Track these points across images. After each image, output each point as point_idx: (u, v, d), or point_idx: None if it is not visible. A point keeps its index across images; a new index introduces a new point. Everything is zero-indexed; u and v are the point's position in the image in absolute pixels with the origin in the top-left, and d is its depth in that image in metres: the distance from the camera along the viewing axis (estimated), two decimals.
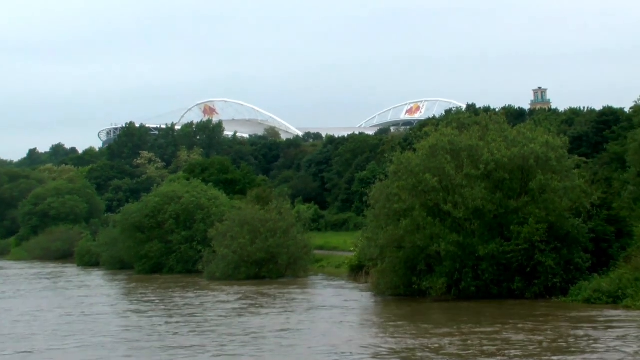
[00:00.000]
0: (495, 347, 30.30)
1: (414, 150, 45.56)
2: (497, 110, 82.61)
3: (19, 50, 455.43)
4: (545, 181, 42.25)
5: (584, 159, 46.89)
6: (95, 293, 55.35)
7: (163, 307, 47.43)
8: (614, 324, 33.77)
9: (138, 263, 66.03)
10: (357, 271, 53.31)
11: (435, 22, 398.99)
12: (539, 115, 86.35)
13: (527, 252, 41.39)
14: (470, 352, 29.66)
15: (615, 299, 38.27)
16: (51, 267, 77.07)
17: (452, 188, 42.48)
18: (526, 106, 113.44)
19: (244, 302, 47.50)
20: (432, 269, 42.92)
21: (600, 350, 28.75)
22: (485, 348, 29.94)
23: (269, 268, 57.62)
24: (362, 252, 49.64)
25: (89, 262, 76.07)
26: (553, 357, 27.99)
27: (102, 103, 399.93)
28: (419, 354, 30.73)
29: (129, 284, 60.17)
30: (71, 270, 72.94)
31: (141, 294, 54.23)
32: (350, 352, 31.25)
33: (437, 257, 42.55)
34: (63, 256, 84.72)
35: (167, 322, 41.06)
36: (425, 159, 43.65)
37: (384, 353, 31.42)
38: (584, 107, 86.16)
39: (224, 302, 47.92)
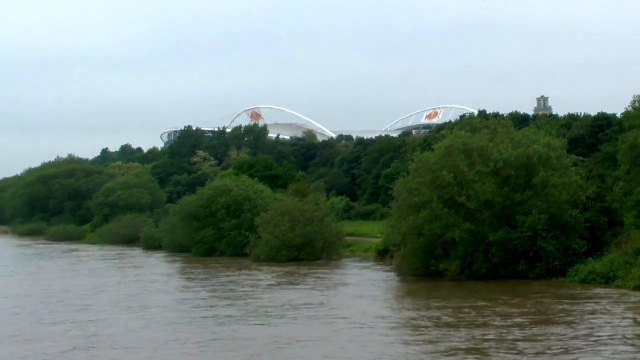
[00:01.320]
0: (488, 319, 30.97)
1: (433, 150, 45.57)
2: (504, 115, 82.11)
3: (97, 63, 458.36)
4: (547, 177, 42.20)
5: (580, 158, 46.69)
6: (156, 271, 55.97)
7: (210, 283, 47.87)
8: (600, 300, 34.17)
9: (194, 247, 66.16)
10: (383, 255, 53.26)
11: (450, 38, 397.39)
12: (542, 120, 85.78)
13: (531, 239, 41.39)
14: (463, 322, 30.41)
15: (607, 280, 38.28)
16: (120, 250, 77.45)
17: (466, 183, 42.33)
18: (530, 112, 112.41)
19: (280, 280, 47.66)
20: (448, 253, 42.86)
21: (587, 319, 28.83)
22: (478, 319, 30.66)
23: (306, 252, 57.58)
24: (387, 238, 49.69)
25: (153, 246, 76.30)
26: (534, 328, 28.44)
27: (165, 109, 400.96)
28: (421, 323, 31.39)
29: (185, 265, 60.49)
30: (137, 253, 73.31)
31: (194, 272, 54.57)
32: (363, 322, 31.64)
33: (452, 243, 42.48)
34: (130, 241, 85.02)
35: (210, 296, 41.67)
36: (442, 158, 43.60)
37: (393, 323, 31.87)
38: (581, 113, 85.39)
39: (263, 280, 48.17)
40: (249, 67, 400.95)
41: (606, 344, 25.29)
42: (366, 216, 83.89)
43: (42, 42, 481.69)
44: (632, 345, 25.60)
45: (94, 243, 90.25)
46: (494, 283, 40.51)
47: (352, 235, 65.17)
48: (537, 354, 24.05)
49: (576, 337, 26.57)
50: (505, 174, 42.75)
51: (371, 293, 39.95)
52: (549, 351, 24.46)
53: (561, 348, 25.03)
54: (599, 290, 36.92)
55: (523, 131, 46.80)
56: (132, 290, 44.64)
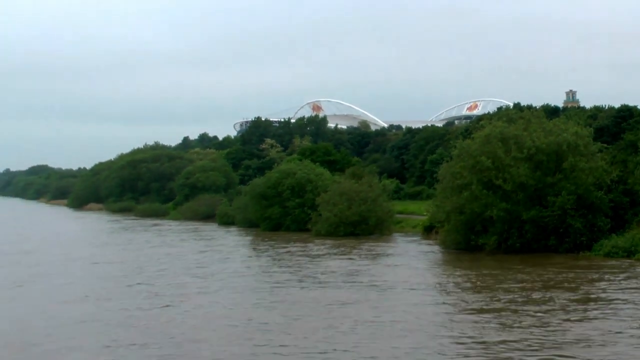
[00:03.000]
0: (507, 285, 31.30)
1: (473, 138, 45.45)
2: (537, 107, 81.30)
3: (181, 61, 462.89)
4: (575, 162, 41.98)
5: (605, 145, 46.15)
6: (227, 243, 56.53)
7: (272, 253, 48.54)
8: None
9: (262, 223, 66.62)
10: (428, 231, 53.22)
11: (489, 37, 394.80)
12: (570, 112, 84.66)
13: (560, 217, 41.19)
14: (494, 287, 30.93)
15: (629, 254, 38.27)
16: (197, 225, 78.30)
17: (502, 167, 42.19)
18: (560, 105, 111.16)
19: (333, 251, 47.93)
20: (486, 229, 42.75)
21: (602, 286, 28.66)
22: (506, 285, 30.91)
23: (361, 227, 57.69)
24: (433, 216, 49.66)
25: (226, 221, 76.86)
26: (545, 291, 28.62)
27: (237, 101, 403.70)
28: (454, 288, 32.03)
29: (253, 238, 61.03)
30: (212, 228, 74.01)
31: (259, 244, 55.12)
32: (406, 287, 32.12)
33: (490, 220, 42.37)
34: (207, 217, 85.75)
35: (271, 264, 42.59)
36: (481, 145, 43.50)
37: (432, 288, 32.22)
38: (605, 105, 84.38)
39: (318, 251, 48.38)
40: (312, 64, 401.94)
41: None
42: (413, 196, 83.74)
43: (135, 41, 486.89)
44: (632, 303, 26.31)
45: (175, 219, 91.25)
46: (526, 256, 40.35)
47: (401, 213, 65.15)
48: (548, 311, 24.27)
49: (590, 300, 26.53)
50: (538, 159, 42.57)
51: (416, 263, 40.22)
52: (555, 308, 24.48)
53: (562, 308, 25.44)
54: (621, 262, 36.85)
55: (553, 121, 46.46)
56: (205, 259, 45.60)
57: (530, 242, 41.86)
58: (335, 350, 20.97)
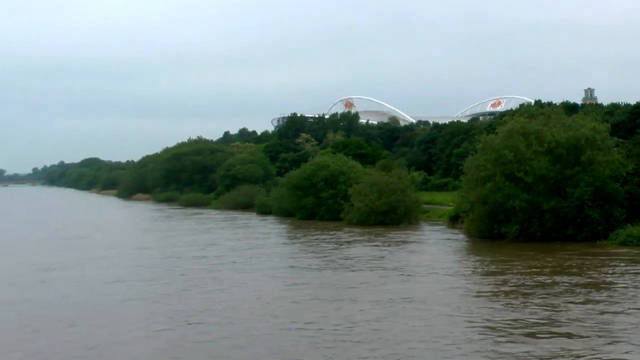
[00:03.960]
0: (518, 270, 31.16)
1: (496, 133, 45.34)
2: (557, 104, 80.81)
3: (222, 61, 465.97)
4: (593, 156, 41.74)
5: (621, 140, 45.84)
6: (264, 231, 56.94)
7: (303, 240, 48.94)
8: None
9: (298, 212, 66.91)
10: (454, 220, 53.14)
11: (513, 39, 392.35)
12: (588, 108, 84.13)
13: (578, 207, 40.96)
14: (514, 271, 30.60)
15: None
16: (237, 214, 78.81)
17: (524, 160, 42.07)
18: (579, 101, 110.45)
19: (362, 238, 48.07)
20: (508, 218, 42.63)
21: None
22: (525, 270, 30.40)
23: (390, 217, 57.75)
24: (458, 206, 49.69)
25: (264, 211, 77.22)
26: (556, 276, 28.14)
27: (274, 98, 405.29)
28: (463, 272, 32.19)
29: (288, 226, 61.35)
30: (251, 217, 74.40)
31: (293, 232, 55.54)
32: (430, 271, 32.22)
33: (512, 210, 42.26)
34: (246, 207, 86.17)
35: (301, 250, 42.96)
36: (504, 139, 43.37)
37: (443, 271, 32.16)
38: (622, 102, 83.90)
39: (347, 238, 48.57)
40: (345, 64, 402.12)
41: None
42: (440, 188, 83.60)
43: (176, 40, 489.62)
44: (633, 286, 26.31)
45: (216, 208, 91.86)
46: (546, 244, 40.22)
47: (428, 203, 65.12)
48: (562, 292, 24.25)
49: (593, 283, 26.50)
50: (557, 153, 42.38)
51: (440, 250, 40.32)
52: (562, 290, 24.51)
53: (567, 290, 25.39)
54: (634, 250, 36.75)
55: (572, 117, 46.22)
56: (242, 245, 46.05)
57: (550, 230, 41.69)
58: (356, 325, 21.50)
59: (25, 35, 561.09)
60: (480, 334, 20.18)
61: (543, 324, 21.12)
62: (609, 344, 18.81)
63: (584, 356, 17.76)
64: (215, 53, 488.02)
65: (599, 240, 40.23)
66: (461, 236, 46.59)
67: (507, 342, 19.14)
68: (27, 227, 69.05)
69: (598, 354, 17.93)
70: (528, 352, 18.16)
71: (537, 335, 19.94)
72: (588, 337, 19.53)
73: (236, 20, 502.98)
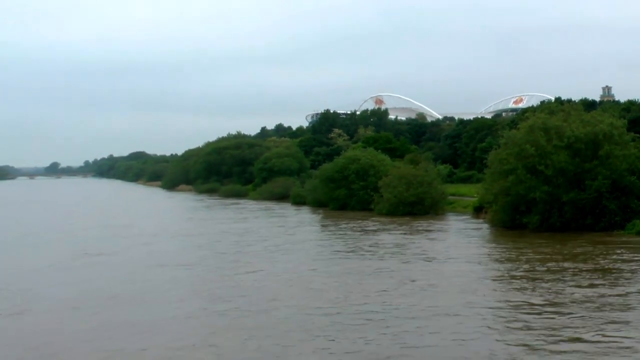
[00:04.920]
0: (529, 257, 30.65)
1: (518, 128, 45.17)
2: (576, 101, 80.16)
3: (259, 60, 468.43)
4: (610, 150, 41.36)
5: (637, 135, 45.26)
6: (298, 220, 57.20)
7: (335, 228, 48.91)
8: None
9: (330, 203, 66.97)
10: (478, 210, 52.93)
11: (534, 38, 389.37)
12: (606, 105, 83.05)
13: (596, 199, 40.69)
14: (511, 257, 30.75)
15: None
16: (273, 204, 79.11)
17: (544, 154, 41.80)
18: (597, 98, 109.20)
19: (389, 227, 48.04)
20: (530, 209, 42.38)
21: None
22: (526, 257, 30.15)
23: (417, 207, 57.57)
24: (482, 197, 49.42)
25: (299, 201, 77.35)
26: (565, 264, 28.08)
27: (308, 96, 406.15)
28: (482, 259, 32.13)
29: (321, 216, 61.41)
30: (286, 207, 74.67)
31: (324, 221, 55.47)
32: (452, 258, 32.30)
33: (533, 201, 42.02)
34: (282, 197, 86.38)
35: (332, 237, 43.19)
36: (525, 134, 43.14)
37: (463, 258, 32.14)
38: (638, 99, 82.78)
39: (374, 227, 48.68)
40: (375, 63, 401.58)
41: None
42: (465, 180, 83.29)
43: (221, 42, 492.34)
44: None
45: (254, 199, 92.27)
46: (565, 234, 39.96)
47: (453, 195, 64.86)
48: (571, 277, 24.15)
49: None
50: (576, 147, 42.04)
51: (466, 238, 40.22)
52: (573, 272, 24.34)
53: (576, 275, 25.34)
54: None
55: (591, 113, 45.90)
56: (277, 232, 46.54)
57: (569, 221, 41.37)
58: (380, 304, 21.95)
59: (81, 41, 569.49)
60: (492, 315, 20.63)
61: (548, 305, 21.63)
62: (609, 322, 19.31)
63: (584, 332, 18.33)
64: (252, 54, 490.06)
65: (616, 231, 39.86)
66: (485, 226, 46.38)
67: (516, 317, 19.40)
68: (83, 215, 70.51)
69: (599, 331, 18.41)
70: (532, 327, 18.79)
71: (543, 313, 20.52)
72: (590, 317, 19.94)
73: (277, 24, 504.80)
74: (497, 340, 17.73)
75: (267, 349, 17.63)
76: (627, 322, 19.18)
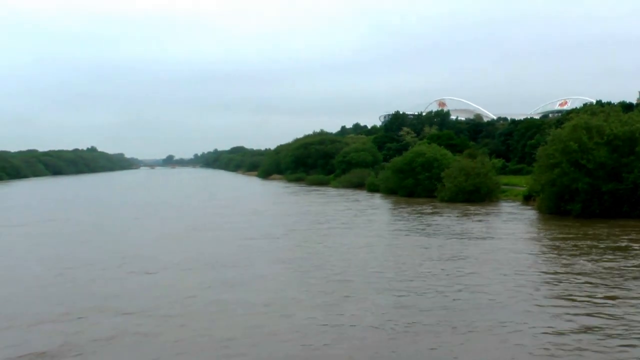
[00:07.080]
0: (570, 240, 29.88)
1: (563, 127, 44.35)
2: (615, 103, 77.90)
3: (338, 66, 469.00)
4: None
5: None
6: (372, 204, 57.02)
7: (400, 211, 48.76)
8: None
9: (400, 190, 66.96)
10: (527, 199, 52.21)
11: (578, 48, 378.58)
12: None
13: (633, 190, 39.77)
14: (553, 236, 29.72)
15: None
16: (351, 192, 79.42)
17: (586, 150, 40.99)
18: (634, 101, 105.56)
19: (449, 212, 47.58)
20: (573, 198, 41.64)
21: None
22: (571, 240, 29.52)
23: (475, 195, 57.12)
24: (531, 187, 48.78)
25: (373, 189, 77.42)
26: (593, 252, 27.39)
27: (382, 98, 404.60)
28: (529, 239, 31.68)
29: (391, 201, 61.20)
30: (362, 194, 74.87)
31: (396, 205, 55.02)
32: (492, 237, 32.04)
33: (576, 191, 41.28)
34: (358, 186, 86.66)
35: (399, 219, 42.94)
36: (570, 132, 42.38)
37: (515, 237, 32.09)
38: None
39: (434, 211, 48.52)
40: (439, 70, 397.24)
41: None
42: (516, 172, 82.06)
43: (313, 52, 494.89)
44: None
45: (334, 187, 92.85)
46: (604, 220, 39.11)
47: (506, 184, 64.09)
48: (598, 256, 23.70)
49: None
50: (615, 144, 41.11)
51: (515, 222, 39.64)
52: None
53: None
54: None
55: (629, 114, 44.72)
56: (348, 215, 46.68)
57: (608, 209, 40.49)
58: (436, 277, 21.95)
59: (189, 52, 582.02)
60: (526, 282, 21.08)
61: (568, 273, 22.17)
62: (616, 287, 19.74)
63: (595, 296, 18.78)
64: (335, 62, 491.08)
65: None
66: (533, 212, 45.73)
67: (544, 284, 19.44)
68: (195, 197, 73.49)
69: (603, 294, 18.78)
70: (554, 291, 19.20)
71: (563, 281, 21.05)
72: (602, 284, 20.33)
73: (362, 36, 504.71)
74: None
75: (340, 293, 19.53)
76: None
